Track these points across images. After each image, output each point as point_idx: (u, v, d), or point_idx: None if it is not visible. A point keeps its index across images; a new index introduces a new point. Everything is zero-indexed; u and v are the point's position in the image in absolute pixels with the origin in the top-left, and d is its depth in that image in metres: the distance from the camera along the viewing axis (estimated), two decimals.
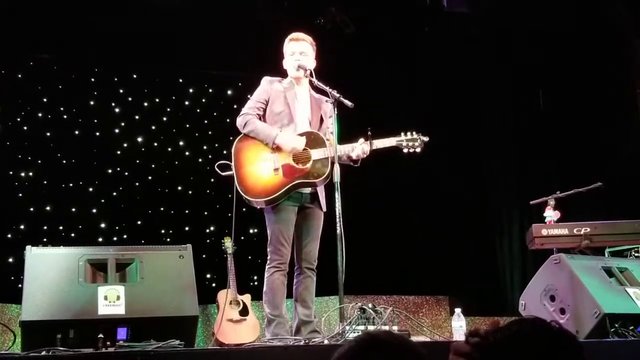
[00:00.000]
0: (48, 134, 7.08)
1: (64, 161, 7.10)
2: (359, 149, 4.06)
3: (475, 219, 7.83)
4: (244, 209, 4.45)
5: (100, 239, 6.94)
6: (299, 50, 4.23)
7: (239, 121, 4.18)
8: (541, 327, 1.50)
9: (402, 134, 4.19)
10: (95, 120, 7.28)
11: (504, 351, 1.47)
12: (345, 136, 4.04)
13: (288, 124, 4.15)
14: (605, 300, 3.72)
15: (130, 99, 7.46)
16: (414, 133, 4.20)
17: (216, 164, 4.24)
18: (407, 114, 7.29)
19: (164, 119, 7.59)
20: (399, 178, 7.35)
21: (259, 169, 4.07)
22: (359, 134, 4.11)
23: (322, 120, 4.26)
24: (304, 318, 4.03)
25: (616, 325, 3.64)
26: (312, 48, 4.29)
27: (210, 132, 7.66)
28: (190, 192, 7.56)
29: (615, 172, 6.52)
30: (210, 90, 7.82)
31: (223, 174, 4.19)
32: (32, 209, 6.90)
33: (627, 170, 6.61)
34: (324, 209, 4.16)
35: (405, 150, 4.20)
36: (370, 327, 3.54)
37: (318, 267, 4.15)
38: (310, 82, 4.20)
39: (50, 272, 3.38)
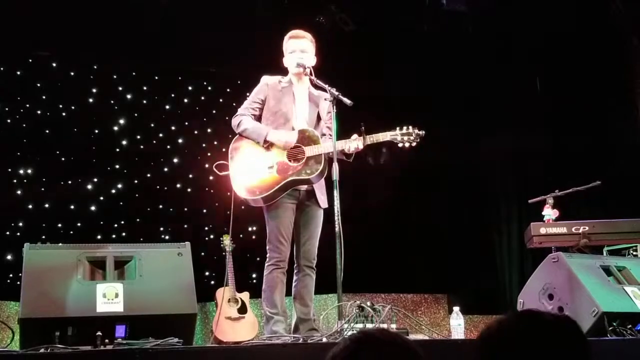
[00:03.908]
0: (47, 131, 7.07)
1: (63, 158, 7.09)
2: (353, 144, 4.01)
3: (474, 217, 7.82)
4: (242, 207, 4.46)
5: (99, 237, 6.93)
6: (300, 48, 4.20)
7: (233, 122, 4.21)
8: (536, 319, 1.49)
9: (397, 128, 4.11)
10: (94, 118, 7.27)
11: (501, 345, 1.47)
12: (343, 135, 4.03)
13: (284, 123, 4.15)
14: (604, 298, 3.71)
15: (129, 96, 7.46)
16: (409, 127, 4.11)
17: (214, 165, 4.26)
18: (406, 112, 7.28)
19: (163, 116, 7.58)
20: (398, 176, 7.34)
21: (254, 168, 4.08)
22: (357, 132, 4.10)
23: (319, 118, 4.24)
24: (302, 316, 4.03)
25: (614, 324, 3.64)
26: (312, 45, 4.26)
27: (209, 130, 7.66)
28: (189, 189, 7.55)
29: (614, 171, 6.52)
30: (210, 88, 7.82)
31: (221, 173, 4.21)
32: (30, 207, 6.89)
33: (626, 169, 6.62)
34: (323, 205, 4.14)
35: (400, 145, 4.10)
36: (369, 325, 3.54)
37: (317, 265, 4.15)
38: (310, 80, 4.19)
39: (48, 269, 3.37)
